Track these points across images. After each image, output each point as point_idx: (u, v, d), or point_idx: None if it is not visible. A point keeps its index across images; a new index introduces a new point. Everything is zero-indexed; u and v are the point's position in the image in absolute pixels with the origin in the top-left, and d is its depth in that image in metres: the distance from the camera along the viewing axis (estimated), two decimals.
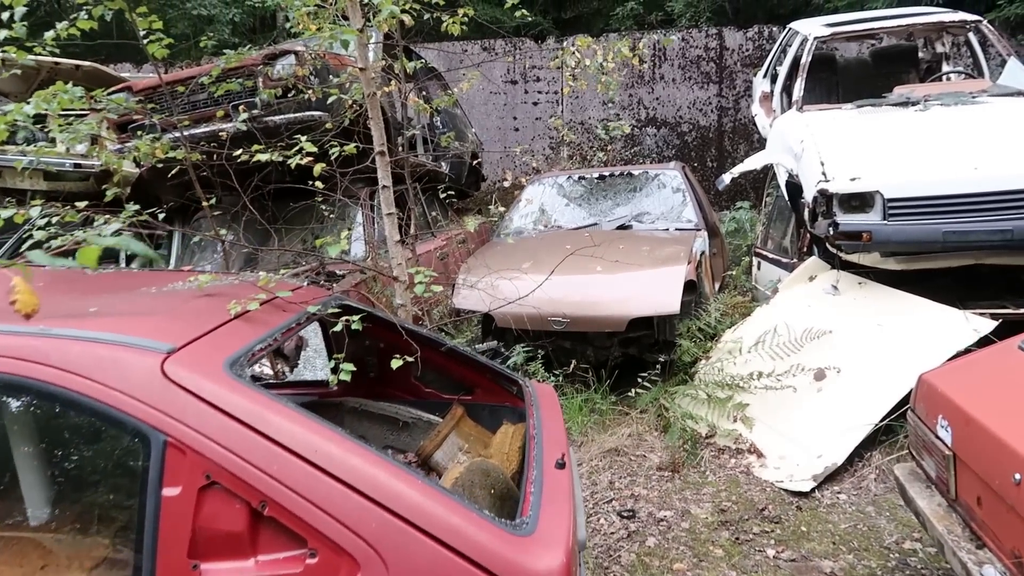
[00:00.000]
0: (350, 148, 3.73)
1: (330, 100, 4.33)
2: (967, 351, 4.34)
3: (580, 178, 6.69)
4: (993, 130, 4.96)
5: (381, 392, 3.23)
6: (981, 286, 4.97)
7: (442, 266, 6.02)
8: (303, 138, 3.70)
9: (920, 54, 7.44)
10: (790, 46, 7.07)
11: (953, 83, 5.92)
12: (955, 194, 4.55)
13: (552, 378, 4.72)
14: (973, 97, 5.37)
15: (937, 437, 2.73)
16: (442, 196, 5.50)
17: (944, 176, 4.61)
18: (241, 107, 4.89)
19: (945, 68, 7.16)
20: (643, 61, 5.50)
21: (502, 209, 6.87)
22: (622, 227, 6.08)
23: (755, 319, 5.16)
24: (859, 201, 4.77)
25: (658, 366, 5.01)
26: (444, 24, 4.92)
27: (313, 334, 4.05)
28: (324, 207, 4.87)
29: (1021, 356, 2.68)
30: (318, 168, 3.49)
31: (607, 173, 6.65)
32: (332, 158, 3.76)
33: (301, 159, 3.49)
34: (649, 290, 4.91)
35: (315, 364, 4.17)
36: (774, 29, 10.03)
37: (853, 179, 4.76)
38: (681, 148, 10.34)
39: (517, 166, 10.17)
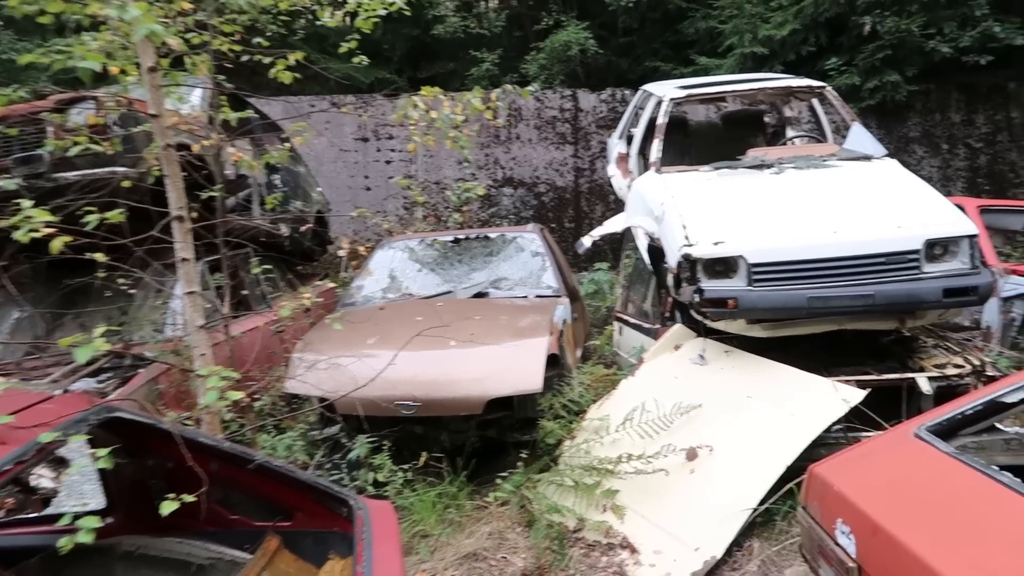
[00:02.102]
0: (115, 215, 3.01)
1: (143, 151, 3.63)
2: (847, 427, 4.17)
3: (433, 241, 6.20)
4: (846, 194, 4.93)
5: (170, 524, 2.51)
6: (843, 351, 4.85)
7: (277, 342, 5.29)
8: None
9: (766, 119, 7.60)
10: (644, 108, 7.00)
11: (803, 147, 5.97)
12: (818, 259, 4.42)
13: (400, 473, 4.09)
14: (823, 160, 5.37)
15: (837, 544, 2.36)
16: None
17: (806, 241, 4.48)
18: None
19: (790, 132, 7.32)
20: (497, 116, 5.13)
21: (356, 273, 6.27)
22: (479, 295, 5.61)
23: (621, 393, 4.79)
24: (723, 266, 4.55)
25: (522, 451, 4.51)
26: (273, 71, 4.37)
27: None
28: (121, 281, 4.07)
29: (918, 447, 2.38)
30: (57, 244, 2.74)
31: (462, 236, 6.20)
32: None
33: (46, 229, 2.74)
34: (509, 366, 4.44)
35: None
36: (626, 92, 10.12)
37: (716, 243, 4.55)
38: (539, 208, 10.14)
39: (368, 228, 9.57)
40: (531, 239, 6.10)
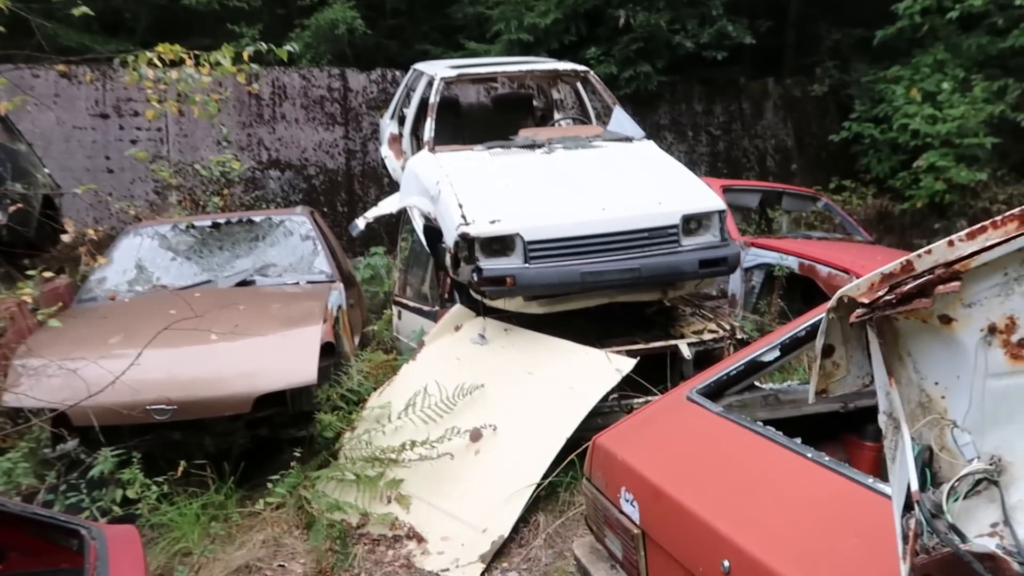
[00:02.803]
0: None
1: None
2: (621, 396, 4.32)
3: (189, 227, 5.59)
4: (612, 173, 5.13)
5: None
6: (614, 324, 5.06)
7: None
8: None
9: (535, 102, 7.77)
10: (415, 88, 6.84)
11: (570, 128, 6.14)
12: (589, 235, 4.54)
13: (155, 487, 3.60)
14: (590, 141, 5.55)
15: (622, 512, 2.37)
16: None
17: (578, 218, 4.58)
18: None
19: (557, 115, 7.54)
20: (251, 80, 4.70)
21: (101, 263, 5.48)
22: (243, 283, 5.14)
23: (402, 379, 4.62)
24: (500, 245, 4.53)
25: (297, 449, 4.19)
26: None
27: None
28: None
29: (691, 409, 2.46)
30: None
31: (222, 220, 5.65)
32: None
33: None
34: (279, 358, 4.09)
35: None
36: (397, 73, 9.89)
37: (493, 221, 4.52)
38: (309, 192, 9.63)
39: (112, 215, 8.52)
40: (300, 222, 5.71)
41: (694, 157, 11.10)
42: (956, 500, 1.20)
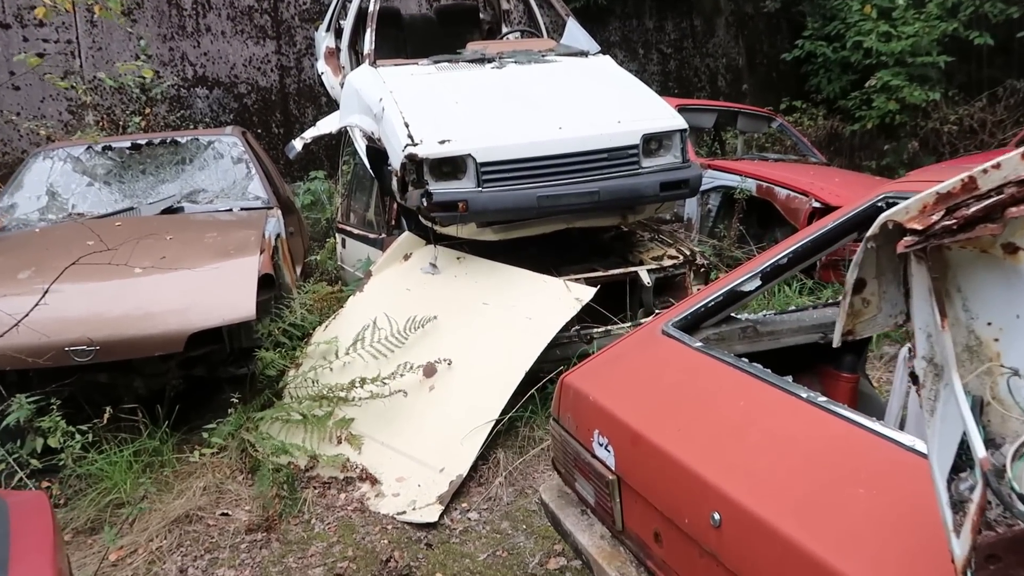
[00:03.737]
0: None
1: None
2: (581, 326, 4.14)
3: (106, 149, 5.09)
4: (567, 89, 4.82)
5: None
6: (570, 251, 4.84)
7: None
8: None
9: (481, 15, 7.30)
10: None
11: (522, 41, 5.76)
12: (545, 155, 4.26)
13: (79, 436, 3.29)
14: (543, 56, 5.21)
15: (595, 457, 2.20)
16: None
17: (534, 138, 4.28)
18: None
19: (505, 28, 7.11)
20: None
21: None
22: (170, 210, 4.71)
23: (350, 312, 4.34)
24: (451, 167, 4.23)
25: (237, 390, 3.91)
26: None
27: None
28: None
29: (667, 344, 2.27)
30: None
31: (143, 141, 5.16)
32: None
33: None
34: (213, 292, 3.76)
35: None
36: None
37: (443, 141, 4.19)
38: (240, 112, 9.00)
39: (23, 137, 7.82)
40: (231, 143, 5.26)
41: (645, 76, 10.74)
42: (1021, 462, 1.02)
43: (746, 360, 2.05)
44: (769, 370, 1.96)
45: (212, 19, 8.89)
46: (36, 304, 3.13)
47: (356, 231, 5.76)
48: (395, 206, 4.96)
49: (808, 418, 1.78)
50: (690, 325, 2.36)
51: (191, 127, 8.39)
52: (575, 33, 5.61)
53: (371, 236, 5.42)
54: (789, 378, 1.99)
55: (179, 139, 5.20)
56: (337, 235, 6.26)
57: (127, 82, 7.11)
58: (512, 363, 3.79)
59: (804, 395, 1.81)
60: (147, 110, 7.48)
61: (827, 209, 5.42)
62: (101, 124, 7.46)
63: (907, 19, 8.24)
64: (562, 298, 4.10)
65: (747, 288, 2.38)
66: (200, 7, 8.84)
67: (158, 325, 3.56)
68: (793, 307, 2.82)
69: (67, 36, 8.30)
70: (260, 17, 9.10)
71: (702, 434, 1.90)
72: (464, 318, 4.11)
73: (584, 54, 5.36)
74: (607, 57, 5.39)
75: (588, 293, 4.07)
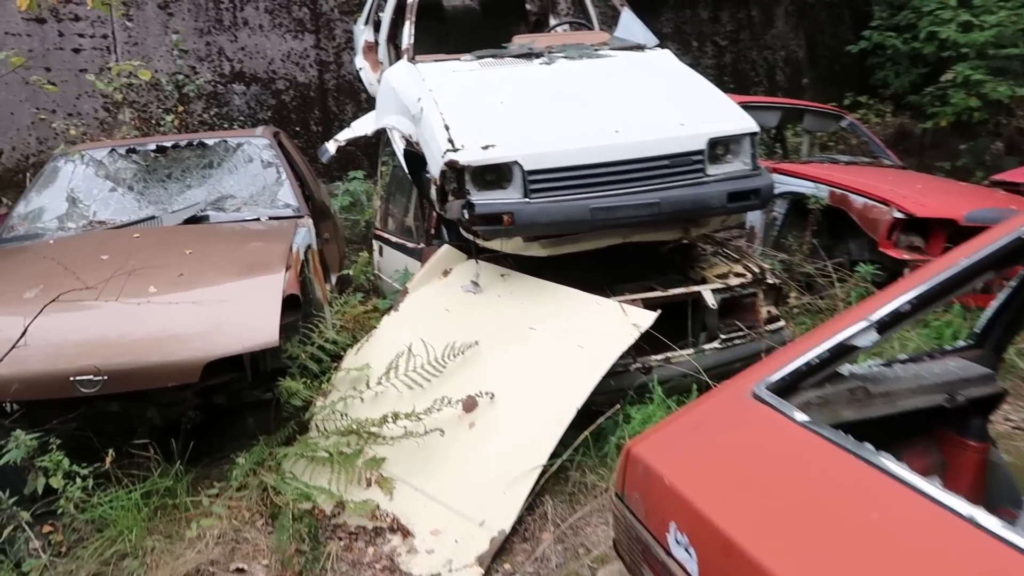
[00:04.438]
0: None
1: None
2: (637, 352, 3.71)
3: (130, 151, 4.80)
4: (624, 88, 4.37)
5: None
6: (624, 265, 4.40)
7: None
8: None
9: (528, 6, 6.86)
10: None
11: (572, 34, 5.32)
12: (600, 163, 3.83)
13: (80, 480, 2.96)
14: (596, 50, 4.76)
15: (670, 555, 1.78)
16: None
17: (587, 143, 3.85)
18: None
19: (553, 20, 6.67)
20: None
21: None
22: (193, 219, 4.38)
23: (383, 334, 3.97)
24: (495, 175, 3.82)
25: (255, 418, 3.58)
26: None
27: None
28: None
29: (761, 414, 1.83)
30: None
31: (168, 144, 4.85)
32: None
33: None
34: (233, 315, 3.41)
35: None
36: None
37: (486, 147, 3.78)
38: (278, 109, 8.72)
39: (58, 136, 7.62)
40: (261, 145, 4.93)
41: (698, 70, 10.17)
42: None
43: (872, 448, 1.61)
44: (911, 471, 1.51)
45: (250, 12, 8.60)
46: (13, 346, 2.81)
47: (394, 239, 5.40)
48: (434, 213, 4.58)
49: (963, 541, 1.34)
50: (787, 387, 1.92)
51: (227, 125, 8.13)
52: (631, 25, 5.15)
53: (409, 245, 5.05)
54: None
55: (206, 141, 4.88)
56: (374, 242, 5.91)
57: (160, 79, 6.83)
58: (562, 399, 3.37)
59: (962, 511, 1.37)
60: (180, 108, 7.22)
61: (911, 220, 4.89)
62: (134, 122, 7.22)
63: (989, 7, 7.57)
64: (618, 323, 3.66)
65: (860, 343, 1.93)
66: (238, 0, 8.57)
67: (172, 352, 3.23)
68: (906, 356, 2.35)
69: (102, 31, 8.08)
70: (299, 10, 8.79)
71: (824, 554, 1.46)
72: (508, 344, 3.71)
73: (641, 48, 4.90)
74: (666, 51, 4.93)
75: (648, 319, 3.63)
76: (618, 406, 3.58)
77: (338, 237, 6.01)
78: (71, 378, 3.09)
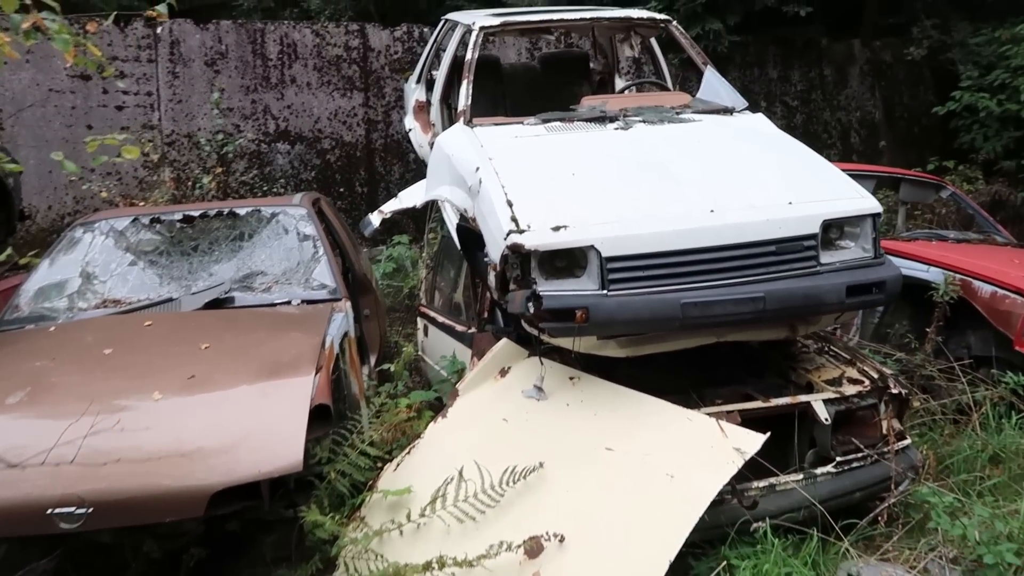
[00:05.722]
0: None
1: None
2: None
3: (154, 221, 4.32)
4: (716, 158, 3.75)
5: None
6: (714, 363, 3.72)
7: None
8: None
9: (592, 64, 6.36)
10: (447, 45, 5.50)
11: (649, 95, 4.75)
12: (693, 248, 3.20)
13: None
14: (677, 113, 4.17)
15: None
16: None
17: (677, 224, 3.22)
18: None
19: (619, 80, 6.14)
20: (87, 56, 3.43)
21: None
22: (215, 303, 3.83)
23: (428, 446, 3.33)
24: (567, 261, 3.21)
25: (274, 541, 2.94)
26: None
27: None
28: None
29: None
30: None
31: (196, 213, 4.36)
32: None
33: None
34: (251, 431, 2.81)
35: None
36: (425, 30, 8.51)
37: (557, 228, 3.18)
38: (323, 169, 8.31)
39: (94, 196, 7.28)
40: (298, 216, 4.41)
41: None
42: None
43: None
44: None
45: (298, 69, 8.28)
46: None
47: (440, 318, 4.81)
48: (488, 295, 3.98)
49: None
50: None
51: (268, 186, 7.72)
52: (715, 85, 4.57)
53: (458, 328, 4.45)
54: None
55: (238, 211, 4.38)
56: (419, 319, 5.33)
57: (200, 139, 6.46)
58: (649, 545, 2.69)
59: None
60: (218, 168, 6.82)
61: None
62: (169, 185, 6.84)
63: None
64: (716, 446, 2.98)
65: None
66: (286, 56, 8.26)
67: (173, 479, 2.63)
68: None
69: (147, 88, 7.81)
70: (348, 67, 8.45)
71: None
72: (579, 468, 3.04)
73: (729, 111, 4.30)
74: (760, 115, 4.32)
75: (754, 442, 2.94)
76: (719, 553, 2.88)
77: (379, 313, 5.46)
78: (49, 511, 2.51)
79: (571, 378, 3.39)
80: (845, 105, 9.91)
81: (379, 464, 3.34)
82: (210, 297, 3.79)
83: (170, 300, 3.81)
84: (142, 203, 6.47)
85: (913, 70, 10.00)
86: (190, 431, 2.76)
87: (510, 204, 3.31)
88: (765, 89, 9.63)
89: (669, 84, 5.29)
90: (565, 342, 3.31)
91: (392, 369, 3.93)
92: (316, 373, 3.05)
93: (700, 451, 2.97)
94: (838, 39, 9.97)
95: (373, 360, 5.19)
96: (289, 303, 3.86)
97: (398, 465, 3.30)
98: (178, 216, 4.31)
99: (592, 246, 3.14)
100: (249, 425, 2.80)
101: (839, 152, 9.64)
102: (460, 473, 2.99)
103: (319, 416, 2.95)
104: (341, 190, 8.33)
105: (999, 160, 8.74)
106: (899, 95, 10.12)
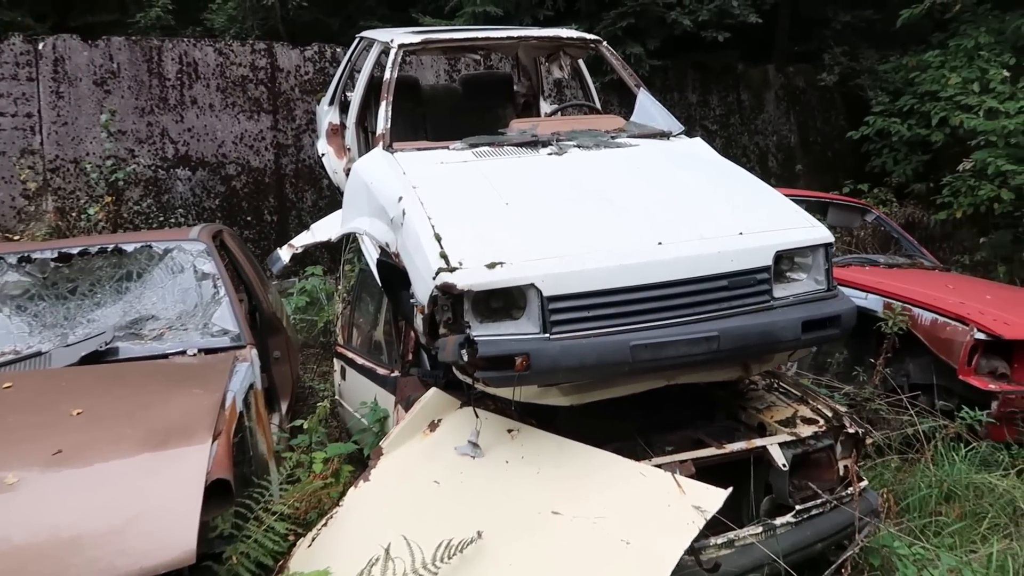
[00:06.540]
0: None
1: None
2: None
3: (23, 260, 3.74)
4: (658, 185, 3.50)
5: None
6: (661, 404, 3.44)
7: None
8: None
9: (516, 87, 6.09)
10: (361, 65, 5.13)
11: (582, 119, 4.51)
12: (642, 284, 2.91)
13: None
14: (613, 138, 3.92)
15: None
16: None
17: (623, 259, 2.93)
18: None
19: (545, 104, 5.89)
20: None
21: None
22: (93, 356, 3.29)
23: (349, 517, 2.90)
24: (504, 301, 2.87)
25: None
26: None
27: None
28: None
29: None
30: None
31: (75, 250, 3.80)
32: None
33: None
34: (131, 518, 2.32)
35: None
36: (337, 50, 8.10)
37: (492, 265, 2.84)
38: (228, 197, 7.73)
39: None
40: (196, 252, 3.91)
41: None
42: None
43: None
44: None
45: (199, 90, 7.71)
46: None
47: (359, 360, 4.39)
48: (413, 335, 3.59)
49: None
50: None
51: (167, 216, 7.10)
52: (649, 108, 4.35)
53: (380, 372, 4.04)
54: None
55: (124, 246, 3.85)
56: (335, 360, 4.88)
57: (87, 164, 5.83)
58: None
59: None
60: (108, 197, 6.19)
61: (996, 343, 4.04)
62: (51, 216, 6.16)
63: (1014, 92, 7.04)
64: (673, 504, 2.69)
65: None
66: (186, 76, 7.68)
67: None
68: None
69: (26, 109, 7.09)
70: (255, 88, 7.93)
71: None
72: (524, 537, 2.68)
73: (666, 135, 4.08)
74: (697, 139, 4.12)
75: (715, 499, 2.66)
76: None
77: (291, 354, 4.98)
78: None
79: (509, 431, 3.04)
80: (762, 129, 10.02)
81: (291, 537, 2.90)
82: (88, 350, 3.24)
83: (39, 355, 3.25)
84: (18, 237, 5.78)
85: (825, 95, 10.22)
86: (53, 520, 2.25)
87: (438, 238, 2.95)
88: (685, 113, 9.62)
89: (598, 106, 5.05)
90: (504, 392, 2.96)
91: (305, 426, 3.47)
92: (214, 440, 2.58)
93: (657, 511, 2.67)
94: (754, 65, 10.09)
95: (285, 407, 4.71)
96: (184, 353, 3.36)
97: (313, 540, 2.85)
98: (52, 254, 3.75)
99: (532, 284, 2.82)
100: (130, 511, 2.32)
101: (758, 175, 9.66)
102: (387, 551, 2.58)
103: (217, 491, 2.49)
104: (249, 219, 7.77)
105: (910, 183, 8.95)
106: (813, 120, 10.31)
